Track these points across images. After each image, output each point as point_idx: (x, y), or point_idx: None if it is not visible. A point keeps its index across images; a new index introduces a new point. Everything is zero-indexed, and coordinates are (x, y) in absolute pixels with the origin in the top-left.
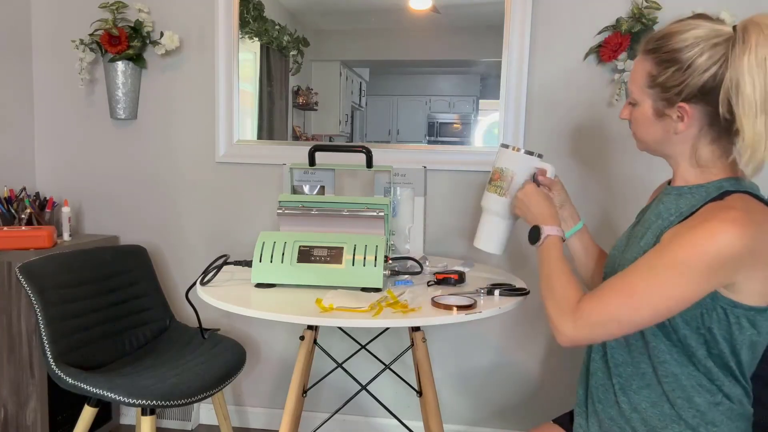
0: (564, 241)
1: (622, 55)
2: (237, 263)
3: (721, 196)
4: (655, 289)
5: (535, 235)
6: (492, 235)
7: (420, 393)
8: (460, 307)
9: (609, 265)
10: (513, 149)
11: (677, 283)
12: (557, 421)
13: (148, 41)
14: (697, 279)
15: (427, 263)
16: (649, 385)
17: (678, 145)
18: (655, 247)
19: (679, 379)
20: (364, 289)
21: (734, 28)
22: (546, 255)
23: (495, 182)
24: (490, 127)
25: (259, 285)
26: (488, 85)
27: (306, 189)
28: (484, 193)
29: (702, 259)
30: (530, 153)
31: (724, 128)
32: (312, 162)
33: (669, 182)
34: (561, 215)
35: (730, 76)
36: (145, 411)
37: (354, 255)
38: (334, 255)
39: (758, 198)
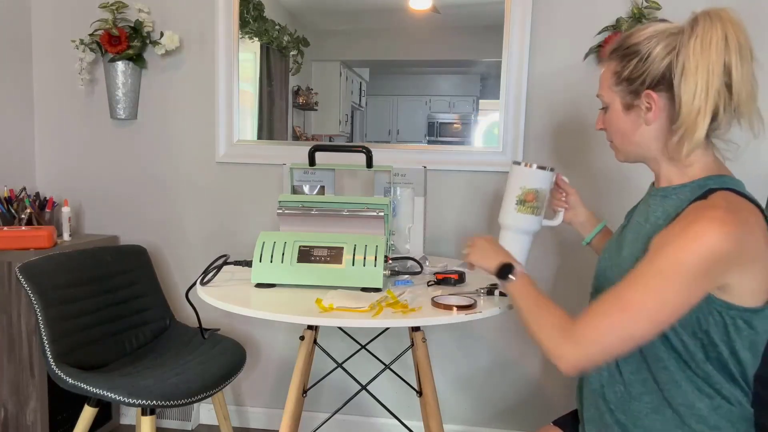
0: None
1: None
2: (237, 263)
3: (705, 195)
4: (649, 299)
5: (506, 271)
6: (524, 252)
7: (420, 393)
8: (460, 307)
9: (599, 275)
10: (535, 167)
11: (670, 289)
12: (557, 422)
13: (148, 41)
14: (690, 283)
15: (427, 263)
16: (650, 392)
17: (652, 142)
18: (646, 256)
19: (680, 385)
20: (364, 289)
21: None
22: (526, 290)
23: (530, 203)
24: (490, 127)
25: (259, 285)
26: (488, 85)
27: (306, 189)
28: (514, 214)
29: (692, 263)
30: (546, 168)
31: None
32: (312, 162)
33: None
34: (577, 220)
35: (680, 61)
36: (145, 411)
37: (354, 255)
38: (334, 255)
39: (741, 194)
